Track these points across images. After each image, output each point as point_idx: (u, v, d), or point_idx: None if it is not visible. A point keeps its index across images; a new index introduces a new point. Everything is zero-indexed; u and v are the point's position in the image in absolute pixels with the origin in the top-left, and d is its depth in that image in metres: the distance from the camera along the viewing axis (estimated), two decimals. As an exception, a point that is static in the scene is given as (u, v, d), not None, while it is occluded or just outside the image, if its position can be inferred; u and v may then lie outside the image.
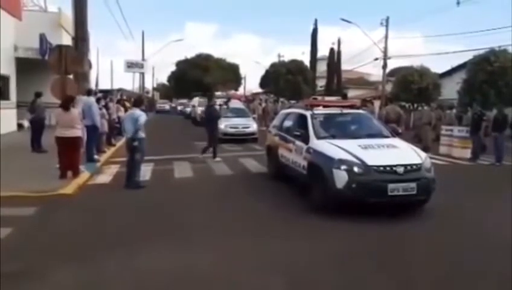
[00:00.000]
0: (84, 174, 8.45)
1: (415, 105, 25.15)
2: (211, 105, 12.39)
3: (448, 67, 28.48)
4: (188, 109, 31.99)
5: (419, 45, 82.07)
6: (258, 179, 8.98)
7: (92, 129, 9.72)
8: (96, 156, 10.20)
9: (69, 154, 7.98)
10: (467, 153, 12.43)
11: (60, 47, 10.07)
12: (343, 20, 26.85)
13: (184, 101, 40.82)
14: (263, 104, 27.96)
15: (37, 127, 11.61)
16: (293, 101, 28.67)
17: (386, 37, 27.05)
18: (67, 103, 8.06)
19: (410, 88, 24.96)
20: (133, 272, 4.09)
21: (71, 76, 9.82)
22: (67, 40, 17.41)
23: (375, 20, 49.37)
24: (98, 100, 11.32)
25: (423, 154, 6.47)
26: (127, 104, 15.71)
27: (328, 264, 4.37)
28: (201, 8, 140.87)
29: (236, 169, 10.08)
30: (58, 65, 9.37)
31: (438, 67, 43.05)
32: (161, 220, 5.85)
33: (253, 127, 16.76)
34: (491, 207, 6.76)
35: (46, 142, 10.91)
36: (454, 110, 18.07)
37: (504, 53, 20.37)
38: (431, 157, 7.34)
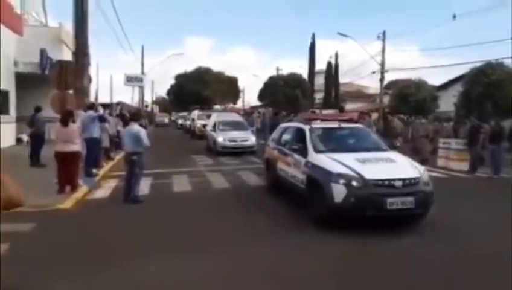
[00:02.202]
0: (83, 189, 8.46)
1: (413, 117, 25.30)
2: (276, 117, 12.58)
3: (445, 80, 28.78)
4: (188, 122, 31.74)
5: (416, 58, 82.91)
6: (257, 193, 8.98)
7: (90, 143, 9.75)
8: (94, 171, 10.21)
9: (68, 169, 8.00)
10: (465, 166, 12.45)
11: (61, 63, 10.19)
12: (340, 34, 27.26)
13: (184, 114, 40.82)
14: (261, 117, 28.10)
15: (37, 141, 11.64)
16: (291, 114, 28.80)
17: (383, 50, 27.35)
18: (66, 118, 8.12)
19: (408, 101, 25.15)
20: (130, 286, 4.08)
21: (71, 91, 9.90)
22: (67, 54, 17.55)
23: (373, 34, 49.95)
24: (101, 117, 11.27)
25: (421, 168, 6.49)
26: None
27: (326, 278, 4.35)
28: (200, 23, 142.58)
29: (235, 182, 10.09)
30: (59, 80, 9.46)
31: (435, 80, 43.40)
32: (159, 234, 5.83)
33: (251, 140, 16.80)
34: (490, 220, 6.74)
35: (44, 157, 10.92)
36: (451, 123, 18.17)
37: (501, 66, 20.60)
38: (429, 170, 7.37)
